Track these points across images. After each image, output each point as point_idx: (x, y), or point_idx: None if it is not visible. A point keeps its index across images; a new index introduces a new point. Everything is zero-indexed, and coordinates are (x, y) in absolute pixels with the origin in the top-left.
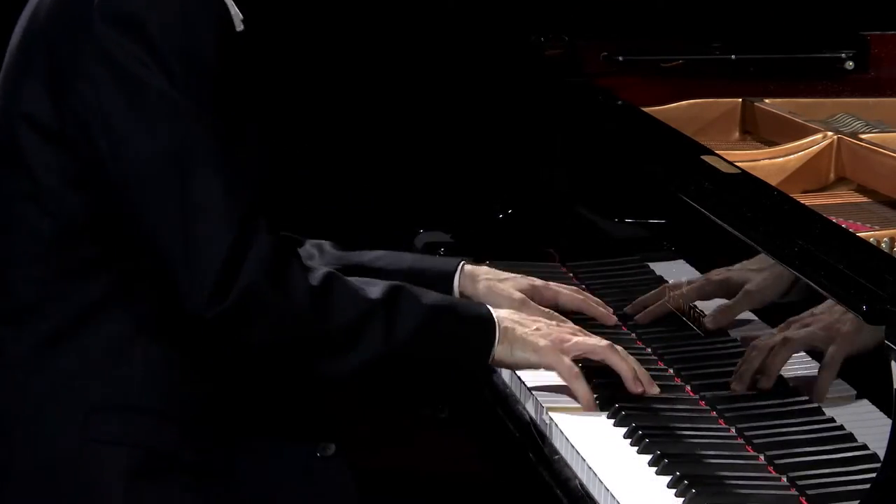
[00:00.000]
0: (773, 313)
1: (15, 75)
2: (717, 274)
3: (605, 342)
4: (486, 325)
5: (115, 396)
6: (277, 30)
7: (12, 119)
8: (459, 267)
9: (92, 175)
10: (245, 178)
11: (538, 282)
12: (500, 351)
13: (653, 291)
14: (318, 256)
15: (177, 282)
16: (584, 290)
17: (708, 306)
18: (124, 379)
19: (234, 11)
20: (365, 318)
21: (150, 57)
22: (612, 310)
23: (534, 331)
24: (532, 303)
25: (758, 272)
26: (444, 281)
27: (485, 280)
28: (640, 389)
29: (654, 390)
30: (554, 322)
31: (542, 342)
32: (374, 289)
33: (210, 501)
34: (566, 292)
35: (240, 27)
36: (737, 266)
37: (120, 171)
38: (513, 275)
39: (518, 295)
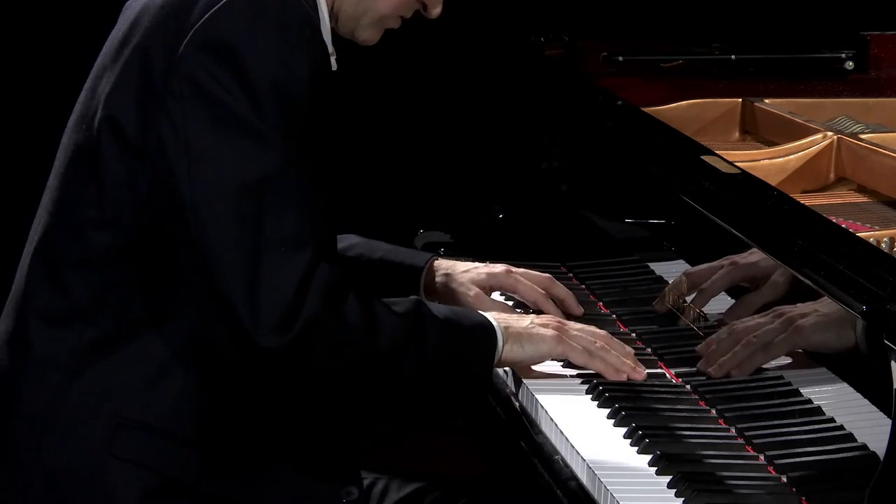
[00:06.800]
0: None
1: (109, 80)
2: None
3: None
4: (489, 331)
5: (145, 417)
6: None
7: (99, 122)
8: (427, 263)
9: (160, 196)
10: (319, 213)
11: (497, 268)
12: (508, 350)
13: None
14: None
15: (235, 312)
16: (583, 290)
17: (708, 307)
18: (156, 402)
19: (332, 50)
20: (405, 338)
21: (240, 86)
22: (582, 310)
23: (529, 325)
24: (486, 297)
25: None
26: (412, 275)
27: (442, 274)
28: (640, 376)
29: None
30: (531, 314)
31: (547, 332)
32: (401, 308)
33: None
34: (525, 285)
35: (334, 67)
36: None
37: (193, 194)
38: (472, 265)
39: (474, 290)
